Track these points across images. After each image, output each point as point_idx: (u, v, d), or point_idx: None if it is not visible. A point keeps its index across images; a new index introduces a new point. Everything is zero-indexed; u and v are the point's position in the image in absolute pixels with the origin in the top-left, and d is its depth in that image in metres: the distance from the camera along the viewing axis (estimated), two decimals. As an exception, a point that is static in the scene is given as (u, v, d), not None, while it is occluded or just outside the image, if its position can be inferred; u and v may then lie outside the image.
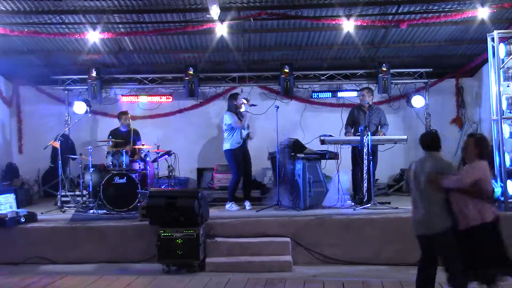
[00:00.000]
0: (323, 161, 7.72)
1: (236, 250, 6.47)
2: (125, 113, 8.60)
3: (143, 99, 9.82)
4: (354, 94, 9.57)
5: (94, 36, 7.80)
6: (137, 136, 8.48)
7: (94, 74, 9.35)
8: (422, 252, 4.48)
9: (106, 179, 7.44)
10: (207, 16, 7.22)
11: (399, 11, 7.75)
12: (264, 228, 6.71)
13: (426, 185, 4.31)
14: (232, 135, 7.61)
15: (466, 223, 4.23)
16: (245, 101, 7.73)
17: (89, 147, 7.93)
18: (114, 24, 7.98)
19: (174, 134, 9.73)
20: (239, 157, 7.60)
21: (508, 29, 7.52)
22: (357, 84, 9.71)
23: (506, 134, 7.04)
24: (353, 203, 7.63)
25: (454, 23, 8.16)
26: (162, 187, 8.13)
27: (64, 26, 7.95)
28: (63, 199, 8.04)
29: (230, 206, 7.57)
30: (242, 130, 7.62)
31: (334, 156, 7.67)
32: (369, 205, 7.30)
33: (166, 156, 8.20)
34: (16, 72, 9.71)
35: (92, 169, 7.86)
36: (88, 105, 9.43)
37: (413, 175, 4.47)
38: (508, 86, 7.15)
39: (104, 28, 7.84)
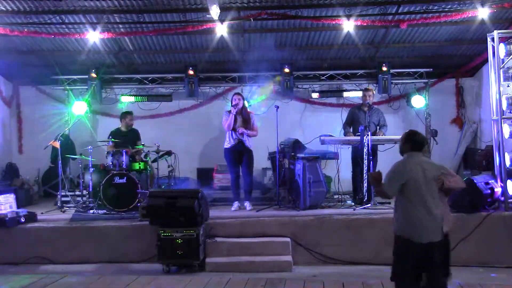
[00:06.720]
0: (323, 161, 7.72)
1: (236, 250, 6.47)
2: (130, 113, 8.54)
3: (143, 99, 9.80)
4: (354, 94, 9.57)
5: (94, 36, 7.80)
6: (137, 136, 8.47)
7: (94, 74, 9.37)
8: (414, 268, 4.09)
9: (106, 179, 7.44)
10: (207, 16, 7.23)
11: (399, 11, 7.75)
12: (264, 228, 6.71)
13: (436, 187, 4.11)
14: (226, 134, 7.66)
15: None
16: (238, 101, 7.59)
17: (89, 147, 7.93)
18: (114, 24, 7.98)
19: (174, 134, 9.70)
20: (231, 157, 7.58)
21: (508, 29, 7.53)
22: (357, 84, 9.72)
23: (506, 134, 7.03)
24: (353, 203, 7.64)
25: (454, 23, 8.15)
26: (162, 187, 8.13)
27: (64, 26, 7.95)
28: (63, 199, 8.02)
29: (232, 206, 7.57)
30: (231, 131, 7.53)
31: (334, 156, 7.67)
32: (369, 205, 7.30)
33: (166, 156, 8.20)
34: (16, 72, 9.69)
35: (92, 169, 7.86)
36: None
37: (423, 177, 4.09)
38: (508, 86, 7.16)
39: (104, 28, 7.84)
